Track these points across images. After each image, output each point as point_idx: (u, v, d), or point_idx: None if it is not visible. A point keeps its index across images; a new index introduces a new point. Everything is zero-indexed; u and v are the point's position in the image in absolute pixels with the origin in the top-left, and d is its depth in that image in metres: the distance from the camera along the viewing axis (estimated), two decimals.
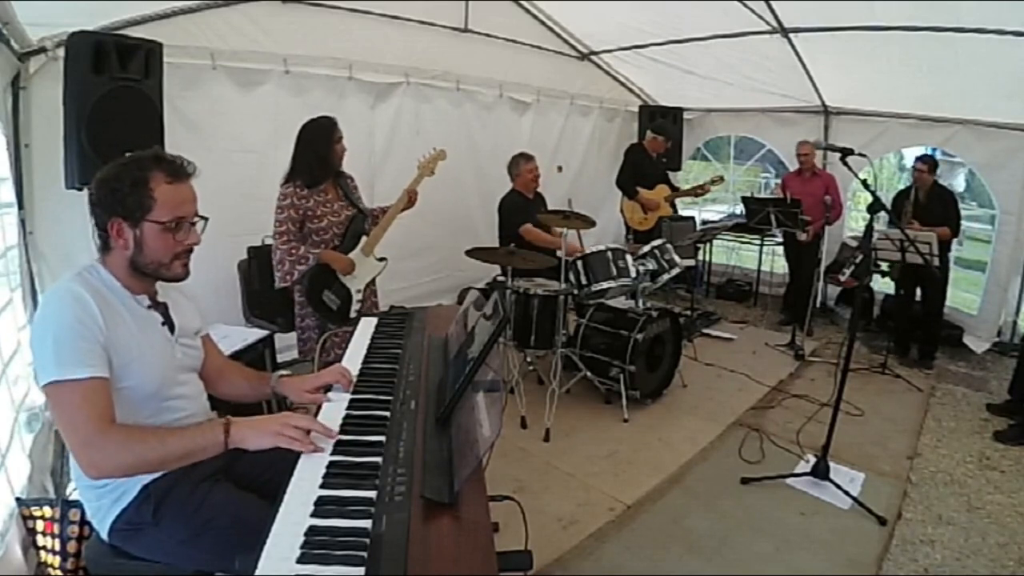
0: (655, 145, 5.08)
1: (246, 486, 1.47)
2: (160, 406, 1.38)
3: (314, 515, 1.06)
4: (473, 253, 3.44)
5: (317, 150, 2.66)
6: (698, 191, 5.27)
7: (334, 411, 1.44)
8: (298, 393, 1.57)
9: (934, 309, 4.41)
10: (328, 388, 1.59)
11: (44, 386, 1.21)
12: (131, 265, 1.35)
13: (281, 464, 1.25)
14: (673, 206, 5.34)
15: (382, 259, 2.86)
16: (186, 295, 1.57)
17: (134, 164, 1.32)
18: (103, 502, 1.35)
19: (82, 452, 1.20)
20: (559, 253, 3.42)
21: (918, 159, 4.35)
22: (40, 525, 1.82)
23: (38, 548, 1.83)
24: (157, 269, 1.37)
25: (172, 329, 1.45)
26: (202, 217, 1.41)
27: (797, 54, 4.56)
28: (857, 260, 3.47)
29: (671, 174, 5.98)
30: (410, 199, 2.85)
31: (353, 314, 2.74)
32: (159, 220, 1.32)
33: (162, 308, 1.45)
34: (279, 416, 1.33)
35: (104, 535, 1.36)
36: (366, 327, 2.02)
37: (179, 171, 1.35)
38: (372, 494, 1.11)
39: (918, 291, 4.45)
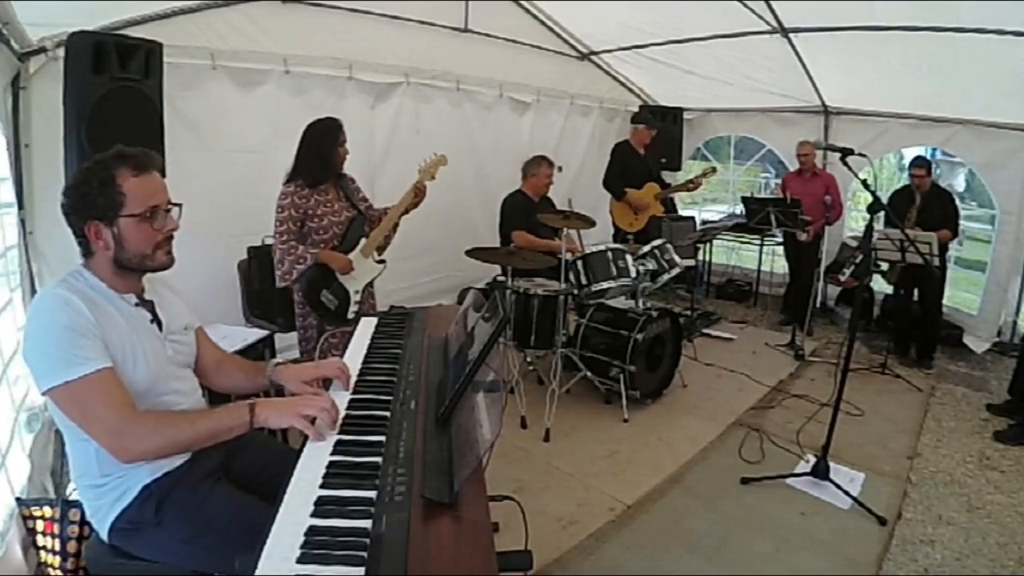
0: (641, 137, 4.86)
1: (245, 485, 1.48)
2: (154, 402, 1.38)
3: (314, 515, 1.06)
4: (473, 253, 3.44)
5: (321, 151, 2.66)
6: (690, 185, 5.11)
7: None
8: (296, 383, 1.57)
9: (932, 308, 4.41)
10: (326, 385, 1.58)
11: (54, 389, 1.22)
12: (115, 263, 1.36)
13: (280, 463, 1.25)
14: (669, 205, 5.31)
15: (381, 261, 2.86)
16: (173, 290, 1.58)
17: (98, 166, 1.33)
18: (103, 501, 1.35)
19: (112, 440, 1.23)
20: (558, 254, 3.42)
21: (913, 164, 4.32)
22: (40, 525, 1.82)
23: (38, 548, 1.83)
24: (142, 261, 1.38)
25: (160, 327, 1.46)
26: (176, 204, 1.42)
27: (797, 54, 4.56)
28: (857, 260, 3.47)
29: (670, 174, 5.98)
30: (417, 195, 2.82)
31: (351, 315, 2.74)
32: (133, 213, 1.33)
33: (149, 306, 1.45)
34: (304, 400, 1.37)
35: (104, 535, 1.36)
36: (366, 327, 2.02)
37: (142, 163, 1.36)
38: (372, 494, 1.11)
39: (916, 291, 4.45)
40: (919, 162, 4.32)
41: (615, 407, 3.43)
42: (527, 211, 3.88)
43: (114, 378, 1.26)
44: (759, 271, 5.87)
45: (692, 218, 5.63)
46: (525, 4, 4.83)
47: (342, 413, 1.39)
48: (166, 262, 1.42)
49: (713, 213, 6.91)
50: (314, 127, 2.69)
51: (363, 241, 2.78)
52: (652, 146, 5.04)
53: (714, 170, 5.36)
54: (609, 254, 3.48)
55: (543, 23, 5.04)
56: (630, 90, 6.09)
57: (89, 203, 1.31)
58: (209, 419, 1.31)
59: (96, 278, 1.36)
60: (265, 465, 1.54)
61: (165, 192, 1.40)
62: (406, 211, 2.83)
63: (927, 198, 4.28)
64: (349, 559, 0.96)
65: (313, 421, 1.30)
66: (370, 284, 2.88)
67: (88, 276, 1.36)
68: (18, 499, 1.87)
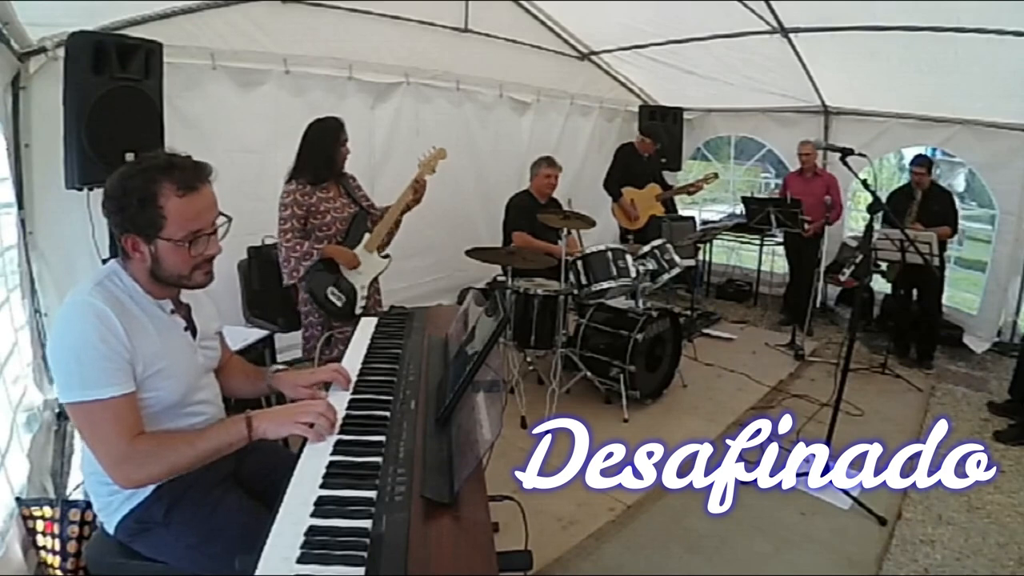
0: (644, 147, 4.98)
1: (251, 488, 1.48)
2: (181, 412, 1.37)
3: (314, 515, 1.06)
4: (473, 253, 3.44)
5: (323, 150, 2.67)
6: (691, 189, 5.22)
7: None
8: (294, 388, 1.56)
9: (931, 308, 4.42)
10: (326, 386, 1.58)
11: (69, 404, 1.21)
12: (151, 275, 1.32)
13: (285, 467, 1.25)
14: (670, 205, 5.32)
15: (386, 256, 2.86)
16: (207, 293, 1.55)
17: (141, 175, 1.24)
18: (115, 498, 1.34)
19: (116, 468, 1.22)
20: (557, 256, 3.42)
21: (914, 163, 4.33)
22: (40, 525, 1.82)
23: (38, 548, 1.83)
24: (178, 280, 1.34)
25: (194, 334, 1.44)
26: (225, 215, 1.36)
27: (797, 54, 4.56)
28: (857, 260, 3.47)
29: (671, 174, 5.98)
30: (416, 191, 2.81)
31: (358, 311, 2.74)
32: (172, 238, 1.26)
33: (184, 311, 1.43)
34: (301, 407, 1.35)
35: (111, 531, 1.36)
36: (366, 327, 2.02)
37: (190, 181, 1.26)
38: (372, 494, 1.11)
39: (915, 291, 4.45)
40: (920, 160, 4.33)
41: (615, 407, 3.42)
42: (530, 212, 3.87)
43: (129, 405, 1.23)
44: (759, 271, 5.87)
45: (692, 218, 5.63)
46: (525, 4, 4.82)
47: (342, 413, 1.39)
48: (203, 282, 1.38)
49: (713, 213, 6.90)
50: (316, 126, 2.69)
51: (367, 236, 2.78)
52: (652, 154, 5.10)
53: (716, 176, 5.41)
54: (609, 254, 3.48)
55: (543, 23, 5.03)
56: (630, 90, 6.09)
57: (127, 218, 1.25)
58: (208, 439, 1.29)
59: (134, 282, 1.32)
60: (272, 468, 1.52)
61: (212, 210, 1.32)
62: (407, 208, 2.83)
63: (927, 195, 4.29)
64: (349, 559, 0.96)
65: (311, 426, 1.29)
66: (375, 280, 2.88)
67: (126, 279, 1.32)
68: (18, 499, 1.87)
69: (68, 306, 1.26)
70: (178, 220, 1.26)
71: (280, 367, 1.67)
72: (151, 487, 1.33)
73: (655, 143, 4.98)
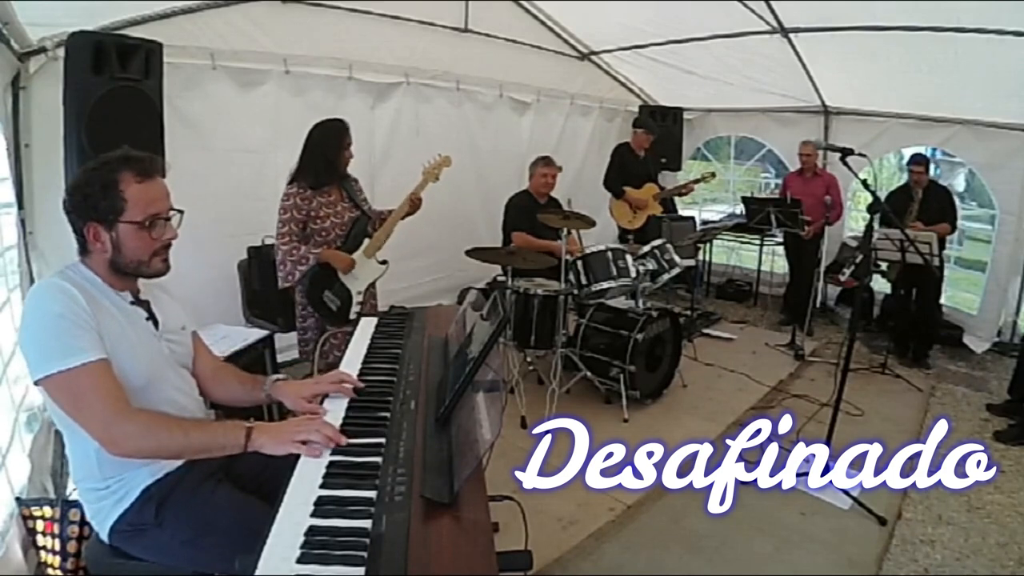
0: (640, 141, 4.97)
1: (245, 486, 1.47)
2: (155, 399, 1.37)
3: (314, 515, 1.06)
4: (473, 253, 3.44)
5: (325, 153, 2.66)
6: (683, 191, 5.25)
7: (334, 411, 1.44)
8: (295, 400, 1.54)
9: (929, 307, 4.42)
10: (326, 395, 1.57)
11: (48, 378, 1.22)
12: (111, 266, 1.36)
13: (281, 464, 1.25)
14: (669, 205, 5.31)
15: (383, 262, 2.86)
16: (169, 293, 1.57)
17: (103, 167, 1.33)
18: (104, 504, 1.35)
19: (103, 431, 1.23)
20: (557, 255, 3.42)
21: (912, 162, 4.35)
22: (40, 525, 1.82)
23: (38, 548, 1.83)
24: (138, 267, 1.38)
25: (156, 325, 1.46)
26: (177, 211, 1.42)
27: (797, 54, 4.56)
28: (857, 260, 3.47)
29: (670, 175, 5.98)
30: (412, 204, 2.85)
31: (353, 315, 2.74)
32: (133, 220, 1.33)
33: (144, 305, 1.45)
34: (300, 424, 1.33)
35: (104, 536, 1.36)
36: (366, 327, 2.02)
37: (148, 169, 1.35)
38: (372, 494, 1.11)
39: (915, 291, 4.45)
40: (918, 159, 4.36)
41: (615, 407, 3.42)
42: (530, 211, 3.86)
43: (108, 371, 1.26)
44: (759, 271, 5.87)
45: (692, 218, 5.63)
46: (525, 4, 4.82)
47: (341, 414, 1.39)
48: (162, 269, 1.42)
49: (713, 213, 6.90)
50: (319, 129, 2.68)
51: (366, 241, 2.78)
52: (652, 148, 5.10)
53: (713, 175, 5.43)
54: (609, 254, 3.48)
55: (543, 23, 5.03)
56: (630, 90, 6.09)
57: (90, 205, 1.31)
58: (203, 432, 1.30)
59: (93, 274, 1.37)
60: (266, 466, 1.52)
61: (167, 199, 1.39)
62: (404, 217, 2.85)
63: (926, 194, 4.30)
64: (349, 559, 0.96)
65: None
66: (372, 285, 2.88)
67: (85, 271, 1.37)
68: (18, 499, 1.87)
69: (32, 291, 1.32)
70: (138, 204, 1.33)
71: (281, 376, 1.64)
72: (139, 489, 1.34)
73: (648, 135, 4.97)
